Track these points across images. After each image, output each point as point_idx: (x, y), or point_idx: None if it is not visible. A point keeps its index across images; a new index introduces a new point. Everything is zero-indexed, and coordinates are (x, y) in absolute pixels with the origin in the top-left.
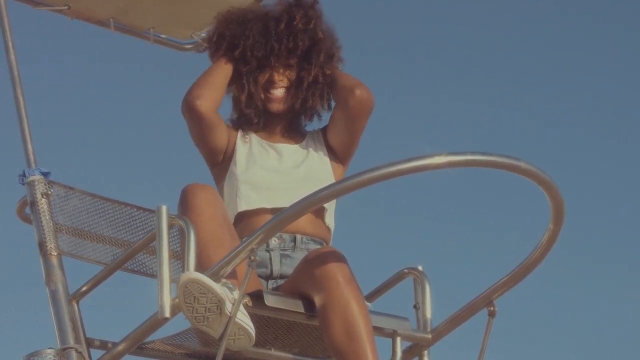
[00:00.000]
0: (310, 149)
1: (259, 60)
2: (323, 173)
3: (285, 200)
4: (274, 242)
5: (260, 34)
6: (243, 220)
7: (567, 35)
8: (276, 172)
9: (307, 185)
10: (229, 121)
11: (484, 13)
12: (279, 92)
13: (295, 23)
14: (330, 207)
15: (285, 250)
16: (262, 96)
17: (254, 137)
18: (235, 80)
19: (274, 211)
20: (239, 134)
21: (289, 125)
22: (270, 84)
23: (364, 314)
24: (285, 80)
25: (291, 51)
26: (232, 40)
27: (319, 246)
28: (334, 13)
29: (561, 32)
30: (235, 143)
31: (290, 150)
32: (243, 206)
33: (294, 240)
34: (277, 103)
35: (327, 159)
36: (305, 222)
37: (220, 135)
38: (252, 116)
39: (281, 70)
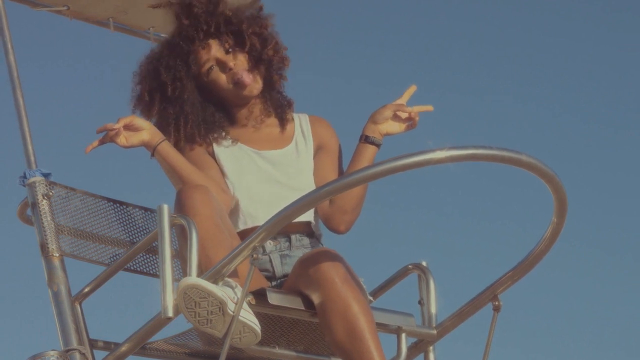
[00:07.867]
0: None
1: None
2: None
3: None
4: (269, 245)
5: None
6: None
7: (570, 29)
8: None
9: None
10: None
11: (485, 6)
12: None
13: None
14: None
15: (282, 250)
16: (230, 85)
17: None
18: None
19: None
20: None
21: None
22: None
23: (365, 312)
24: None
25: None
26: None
27: (316, 242)
28: (336, 9)
29: (565, 23)
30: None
31: (276, 156)
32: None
33: (289, 239)
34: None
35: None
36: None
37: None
38: (222, 119)
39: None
